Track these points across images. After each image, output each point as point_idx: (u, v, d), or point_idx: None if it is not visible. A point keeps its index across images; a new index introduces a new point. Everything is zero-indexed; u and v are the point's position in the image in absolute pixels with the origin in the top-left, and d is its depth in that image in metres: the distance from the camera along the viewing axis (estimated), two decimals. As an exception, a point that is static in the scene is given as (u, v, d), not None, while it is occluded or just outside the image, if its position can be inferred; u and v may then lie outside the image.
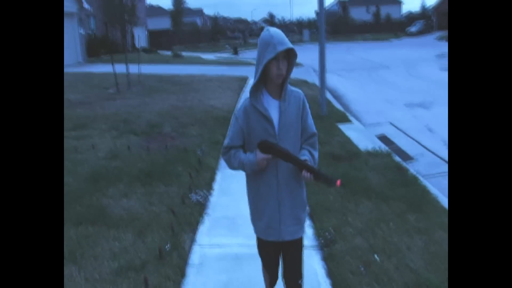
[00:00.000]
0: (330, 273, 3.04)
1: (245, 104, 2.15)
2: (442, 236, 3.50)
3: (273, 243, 2.29)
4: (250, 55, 31.73)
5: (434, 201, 4.25)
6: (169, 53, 31.03)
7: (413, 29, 51.32)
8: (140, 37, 18.28)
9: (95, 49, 23.78)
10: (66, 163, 5.28)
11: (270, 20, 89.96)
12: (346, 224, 3.73)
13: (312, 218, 3.85)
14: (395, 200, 4.24)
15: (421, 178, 4.95)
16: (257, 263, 2.53)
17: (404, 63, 19.21)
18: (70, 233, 3.59)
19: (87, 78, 14.76)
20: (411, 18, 62.29)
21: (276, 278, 2.48)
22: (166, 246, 3.34)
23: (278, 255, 2.38)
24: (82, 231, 3.66)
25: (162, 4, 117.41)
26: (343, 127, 7.65)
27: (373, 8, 65.18)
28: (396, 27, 56.53)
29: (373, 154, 5.86)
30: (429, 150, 6.53)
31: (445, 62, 18.99)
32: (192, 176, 4.93)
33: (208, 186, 4.72)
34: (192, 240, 3.55)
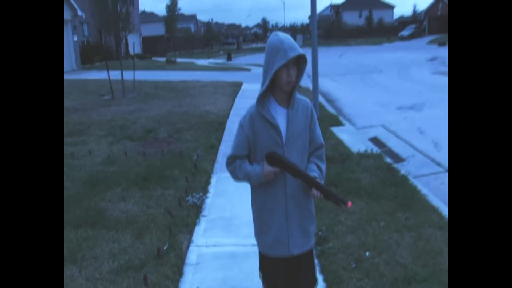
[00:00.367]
0: (323, 269, 3.15)
1: (250, 112, 2.04)
2: (430, 233, 3.63)
3: (279, 259, 2.15)
4: (243, 60, 31.95)
5: (423, 200, 4.39)
6: (163, 59, 31.15)
7: (405, 33, 51.97)
8: (135, 44, 18.37)
9: (89, 56, 23.86)
10: (64, 169, 5.37)
11: (264, 26, 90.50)
12: (338, 223, 3.85)
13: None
14: (386, 199, 4.37)
15: (411, 178, 5.08)
16: (253, 260, 2.55)
17: (397, 67, 19.41)
18: (70, 236, 3.68)
19: (82, 85, 14.83)
20: (403, 22, 63.02)
21: None
22: (164, 247, 3.45)
23: (283, 273, 2.20)
24: (81, 233, 3.75)
25: (156, 10, 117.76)
26: (336, 130, 7.78)
27: (365, 13, 65.84)
28: (388, 32, 57.11)
29: (365, 156, 6.00)
30: (419, 152, 6.68)
31: (436, 65, 19.24)
32: (188, 180, 5.04)
33: (204, 189, 4.83)
34: (189, 241, 3.65)
